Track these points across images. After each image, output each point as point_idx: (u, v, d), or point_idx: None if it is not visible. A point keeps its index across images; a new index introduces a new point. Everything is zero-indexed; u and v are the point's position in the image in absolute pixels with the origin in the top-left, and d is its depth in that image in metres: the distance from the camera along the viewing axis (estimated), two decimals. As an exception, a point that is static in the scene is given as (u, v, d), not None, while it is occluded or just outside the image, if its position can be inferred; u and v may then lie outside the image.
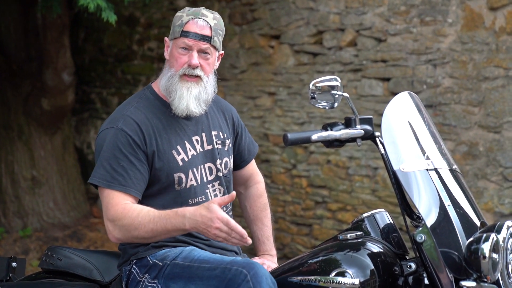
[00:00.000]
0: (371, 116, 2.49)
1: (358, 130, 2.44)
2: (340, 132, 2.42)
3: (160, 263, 2.48)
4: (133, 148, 2.45)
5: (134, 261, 2.53)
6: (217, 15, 2.56)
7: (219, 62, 2.61)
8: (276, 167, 5.78)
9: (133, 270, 2.53)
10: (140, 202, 2.47)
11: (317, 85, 2.44)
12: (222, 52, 2.61)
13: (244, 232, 2.23)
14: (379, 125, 2.43)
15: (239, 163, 2.78)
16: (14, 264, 2.79)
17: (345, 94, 2.45)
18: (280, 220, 5.76)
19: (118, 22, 5.03)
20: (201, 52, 2.51)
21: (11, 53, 6.20)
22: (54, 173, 6.39)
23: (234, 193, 2.28)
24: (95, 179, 2.45)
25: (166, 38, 2.58)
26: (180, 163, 2.52)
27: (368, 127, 2.46)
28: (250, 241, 2.26)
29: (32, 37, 6.19)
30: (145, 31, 6.63)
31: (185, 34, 2.49)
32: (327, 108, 2.47)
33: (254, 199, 2.83)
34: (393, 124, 2.43)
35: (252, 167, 2.84)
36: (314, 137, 2.39)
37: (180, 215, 2.29)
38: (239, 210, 2.90)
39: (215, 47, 2.53)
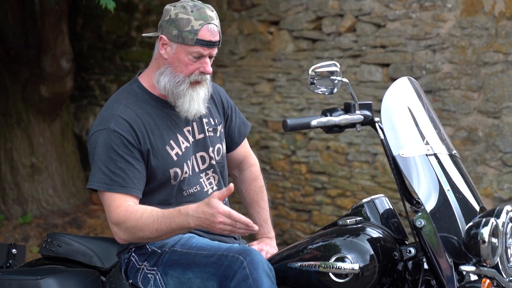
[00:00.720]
0: (371, 102, 2.49)
1: (357, 116, 2.44)
2: (339, 118, 2.41)
3: (159, 251, 2.49)
4: (128, 148, 2.43)
5: (133, 249, 2.54)
6: (215, 11, 2.51)
7: None
8: (275, 153, 5.78)
9: (132, 258, 2.53)
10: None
11: (316, 70, 2.44)
12: None
13: (248, 221, 2.24)
14: (379, 111, 2.42)
15: (230, 145, 2.74)
16: (14, 250, 2.79)
17: (345, 80, 2.45)
18: (280, 206, 5.77)
19: (117, 9, 5.01)
20: (210, 57, 2.50)
21: (9, 40, 6.18)
22: (53, 160, 6.39)
23: (231, 185, 2.27)
24: (94, 184, 2.43)
25: (163, 37, 2.48)
26: (175, 158, 2.51)
27: (367, 113, 2.45)
28: (256, 228, 2.26)
29: (30, 24, 6.16)
30: (143, 17, 6.60)
31: (200, 43, 2.43)
32: (326, 93, 2.46)
33: (249, 182, 2.80)
34: (393, 109, 2.42)
35: (245, 149, 2.80)
36: (314, 122, 2.39)
37: (183, 213, 2.29)
38: (238, 196, 2.89)
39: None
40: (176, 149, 2.51)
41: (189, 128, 2.56)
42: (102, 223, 6.28)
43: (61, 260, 2.68)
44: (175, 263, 2.44)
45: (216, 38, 2.46)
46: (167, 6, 2.51)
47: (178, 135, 2.53)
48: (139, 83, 2.56)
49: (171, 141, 2.51)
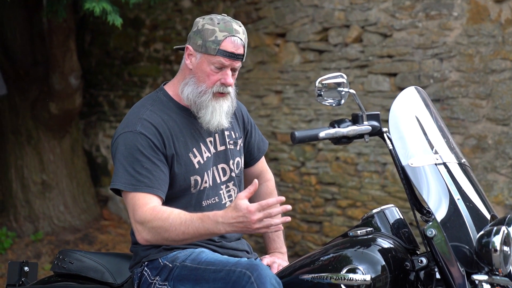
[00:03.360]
0: (378, 112, 2.49)
1: (365, 126, 2.44)
2: (347, 129, 2.42)
3: (170, 265, 2.49)
4: (154, 150, 2.44)
5: (146, 263, 2.54)
6: (243, 27, 2.53)
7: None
8: (284, 165, 5.78)
9: (144, 272, 2.53)
10: None
11: (323, 82, 2.44)
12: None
13: (278, 198, 2.21)
14: (387, 121, 2.43)
15: (249, 161, 2.78)
16: (26, 268, 2.80)
17: (352, 91, 2.45)
18: (290, 218, 5.75)
19: (124, 25, 5.04)
20: (233, 69, 2.51)
21: (17, 58, 6.22)
22: (63, 177, 6.41)
23: (256, 180, 2.24)
24: (120, 184, 2.43)
25: (189, 47, 2.51)
26: (197, 166, 2.53)
27: (375, 123, 2.45)
28: (290, 207, 2.21)
29: (38, 42, 6.21)
30: (150, 33, 6.64)
31: (222, 53, 2.45)
32: (333, 105, 2.47)
33: (264, 196, 2.82)
34: (401, 119, 2.43)
35: (262, 165, 2.84)
36: (322, 134, 2.40)
37: (212, 220, 2.28)
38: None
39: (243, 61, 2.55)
40: (198, 157, 2.54)
41: (211, 139, 2.59)
42: (113, 238, 6.29)
43: (73, 277, 2.69)
44: (185, 278, 2.44)
45: (239, 51, 2.48)
46: (197, 19, 2.56)
47: (201, 144, 2.55)
48: (165, 91, 2.59)
49: (194, 149, 2.53)
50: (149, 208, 2.38)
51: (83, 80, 6.35)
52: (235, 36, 2.47)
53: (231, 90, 2.54)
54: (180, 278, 2.45)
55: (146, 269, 2.54)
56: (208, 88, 2.49)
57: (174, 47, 2.74)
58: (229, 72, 2.49)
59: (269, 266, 2.65)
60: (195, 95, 2.50)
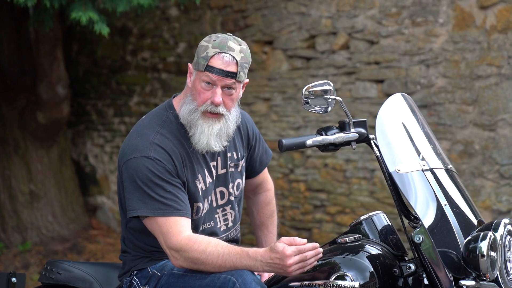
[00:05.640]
0: (365, 119, 2.50)
1: (352, 134, 2.45)
2: (334, 136, 2.43)
3: (159, 273, 2.49)
4: (172, 175, 2.40)
5: (135, 272, 2.53)
6: (244, 46, 2.45)
7: (243, 90, 2.52)
8: (273, 172, 5.78)
9: (133, 281, 2.53)
10: None
11: (310, 90, 2.45)
12: (247, 80, 2.51)
13: (313, 244, 2.27)
14: (375, 127, 2.43)
15: (249, 174, 2.73)
16: (14, 279, 2.78)
17: (338, 98, 2.46)
18: (280, 225, 5.75)
19: (111, 33, 5.04)
20: (225, 87, 2.43)
21: (4, 67, 6.20)
22: (51, 186, 6.38)
23: (316, 244, 2.28)
24: (146, 211, 2.37)
25: (190, 65, 2.49)
26: (200, 193, 2.50)
27: (362, 130, 2.47)
28: (318, 246, 2.28)
29: (25, 51, 6.19)
30: (138, 41, 6.63)
31: (209, 69, 2.39)
32: (320, 112, 2.47)
33: (262, 206, 2.83)
34: (387, 126, 2.44)
35: (264, 175, 2.81)
36: (309, 142, 2.40)
37: (252, 257, 2.30)
38: (247, 217, 2.90)
39: (240, 81, 2.45)
40: (202, 184, 2.50)
41: (215, 163, 2.55)
42: (102, 248, 6.27)
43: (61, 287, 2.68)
44: (172, 286, 2.43)
45: (229, 68, 2.40)
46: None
47: (205, 170, 2.52)
48: (174, 111, 2.51)
49: (199, 175, 2.50)
50: (184, 237, 2.35)
51: (70, 89, 6.34)
52: (226, 53, 2.40)
53: (224, 111, 2.45)
54: (168, 286, 2.44)
55: (135, 278, 2.53)
56: (199, 106, 2.44)
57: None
58: (218, 91, 2.42)
59: (259, 274, 2.65)
60: (187, 113, 2.45)
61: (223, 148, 2.50)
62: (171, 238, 2.36)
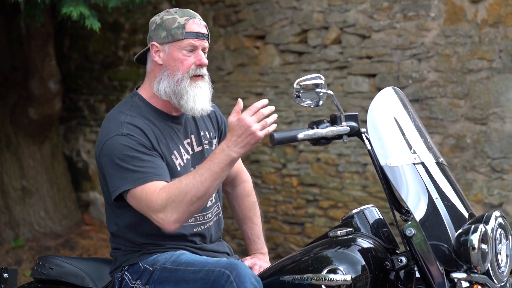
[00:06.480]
0: (356, 113, 2.50)
1: (343, 127, 2.45)
2: (326, 130, 2.43)
3: (151, 268, 2.48)
4: (147, 148, 2.43)
5: (126, 267, 2.53)
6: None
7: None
8: (266, 167, 5.79)
9: (125, 277, 2.52)
10: (134, 215, 2.44)
11: (301, 84, 2.45)
12: None
13: (261, 102, 2.34)
14: (366, 121, 2.44)
15: None
16: (5, 275, 2.78)
17: (330, 92, 2.46)
18: (272, 220, 5.76)
19: (103, 29, 5.02)
20: (203, 50, 2.54)
21: (-5, 63, 6.19)
22: (44, 182, 6.37)
23: (240, 100, 2.34)
24: (129, 184, 2.38)
25: (155, 43, 2.53)
26: (178, 168, 2.52)
27: (353, 124, 2.47)
28: (273, 107, 2.36)
29: (16, 47, 6.16)
30: (130, 36, 6.62)
31: (190, 35, 2.49)
32: (312, 106, 2.47)
33: (242, 198, 2.82)
34: (378, 119, 2.44)
35: (238, 165, 2.80)
36: (301, 135, 2.40)
37: (219, 152, 2.33)
38: (230, 212, 2.90)
39: (209, 43, 2.58)
40: (179, 160, 2.53)
41: (189, 140, 2.59)
42: (95, 243, 6.26)
43: (53, 283, 2.67)
44: (165, 281, 2.43)
45: (204, 30, 2.53)
46: (152, 19, 2.60)
47: (181, 147, 2.55)
48: (140, 96, 2.57)
49: (175, 151, 2.53)
50: (160, 189, 2.35)
51: (62, 84, 6.31)
52: (196, 17, 2.53)
53: (206, 72, 2.56)
54: (161, 281, 2.44)
55: (126, 273, 2.52)
56: (184, 73, 2.50)
57: (134, 58, 2.71)
58: (201, 53, 2.51)
59: (250, 268, 2.64)
60: (172, 86, 2.50)
61: (211, 108, 2.58)
62: (152, 201, 2.35)
